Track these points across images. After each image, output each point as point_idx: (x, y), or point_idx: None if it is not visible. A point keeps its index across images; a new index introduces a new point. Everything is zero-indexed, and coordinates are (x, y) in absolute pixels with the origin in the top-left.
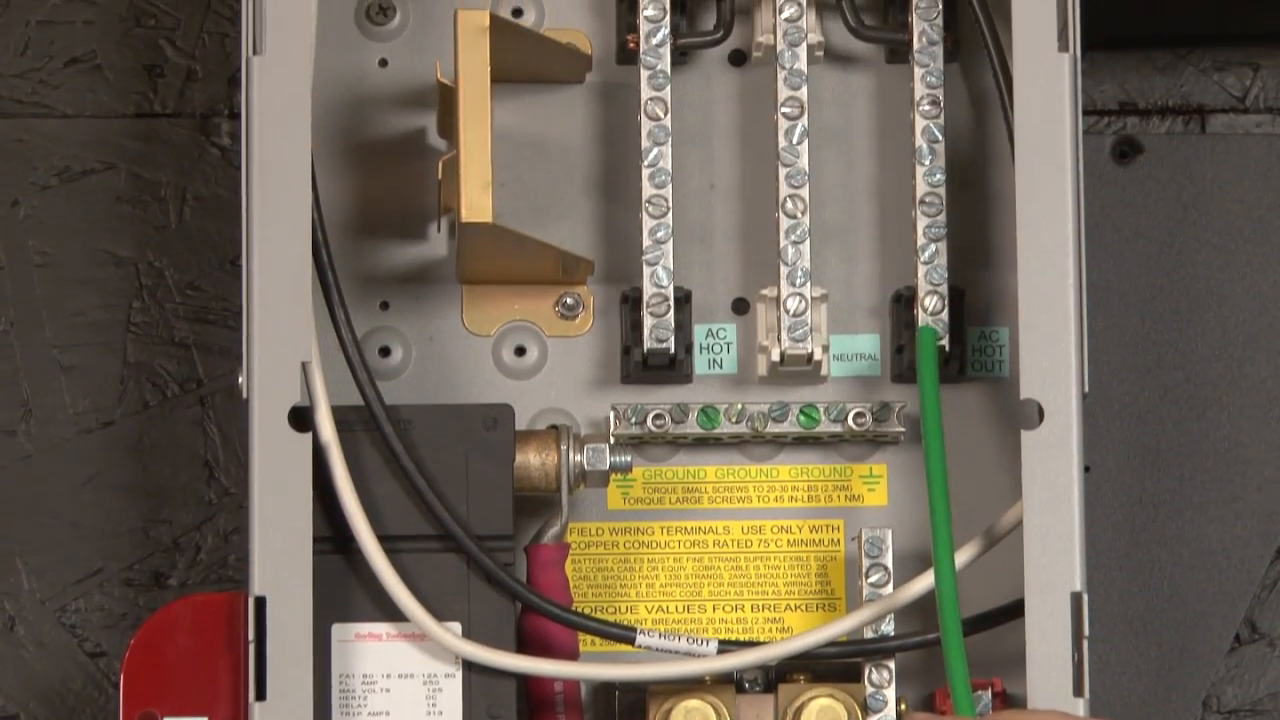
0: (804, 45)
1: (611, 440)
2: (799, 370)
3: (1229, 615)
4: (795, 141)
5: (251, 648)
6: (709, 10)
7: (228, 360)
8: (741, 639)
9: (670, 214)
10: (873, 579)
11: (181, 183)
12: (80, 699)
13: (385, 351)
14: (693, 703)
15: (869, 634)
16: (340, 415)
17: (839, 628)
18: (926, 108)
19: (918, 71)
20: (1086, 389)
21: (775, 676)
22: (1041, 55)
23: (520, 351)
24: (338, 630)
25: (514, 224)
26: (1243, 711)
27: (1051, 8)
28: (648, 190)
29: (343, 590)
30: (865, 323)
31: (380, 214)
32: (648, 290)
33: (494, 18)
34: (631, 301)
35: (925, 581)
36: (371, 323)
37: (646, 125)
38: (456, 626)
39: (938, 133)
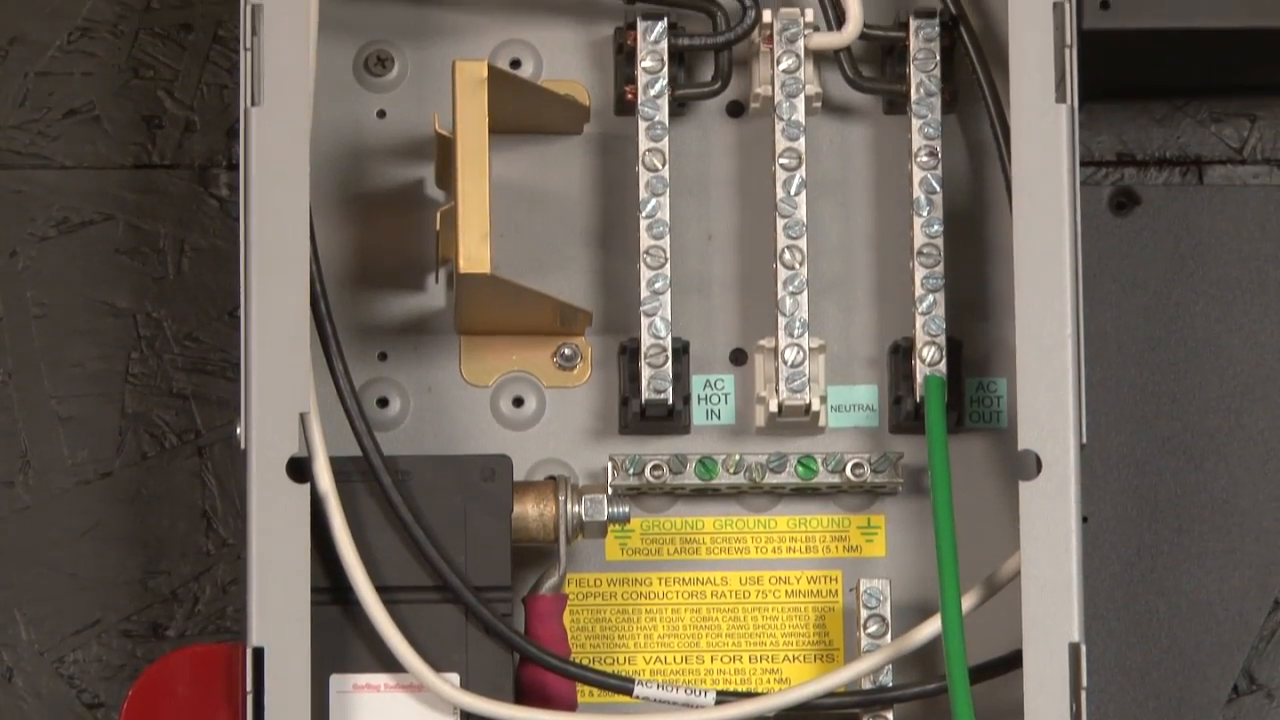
0: (802, 96)
1: (609, 491)
2: (797, 421)
3: (1227, 666)
4: (793, 192)
5: (250, 699)
6: (707, 62)
7: (226, 411)
8: (739, 690)
9: (668, 265)
10: (871, 630)
11: (180, 234)
12: None
13: (383, 402)
14: None
15: (867, 685)
16: (338, 466)
17: (837, 678)
18: (924, 159)
19: (915, 122)
20: (1084, 440)
21: None
22: (1039, 106)
23: (518, 402)
24: (336, 681)
25: (512, 275)
26: None
27: (1049, 59)
28: (645, 241)
29: (341, 641)
30: (863, 373)
31: (378, 265)
32: (646, 341)
33: (492, 69)
34: (629, 352)
35: (924, 632)
36: (370, 373)
37: (644, 176)
38: (454, 677)
39: (935, 184)
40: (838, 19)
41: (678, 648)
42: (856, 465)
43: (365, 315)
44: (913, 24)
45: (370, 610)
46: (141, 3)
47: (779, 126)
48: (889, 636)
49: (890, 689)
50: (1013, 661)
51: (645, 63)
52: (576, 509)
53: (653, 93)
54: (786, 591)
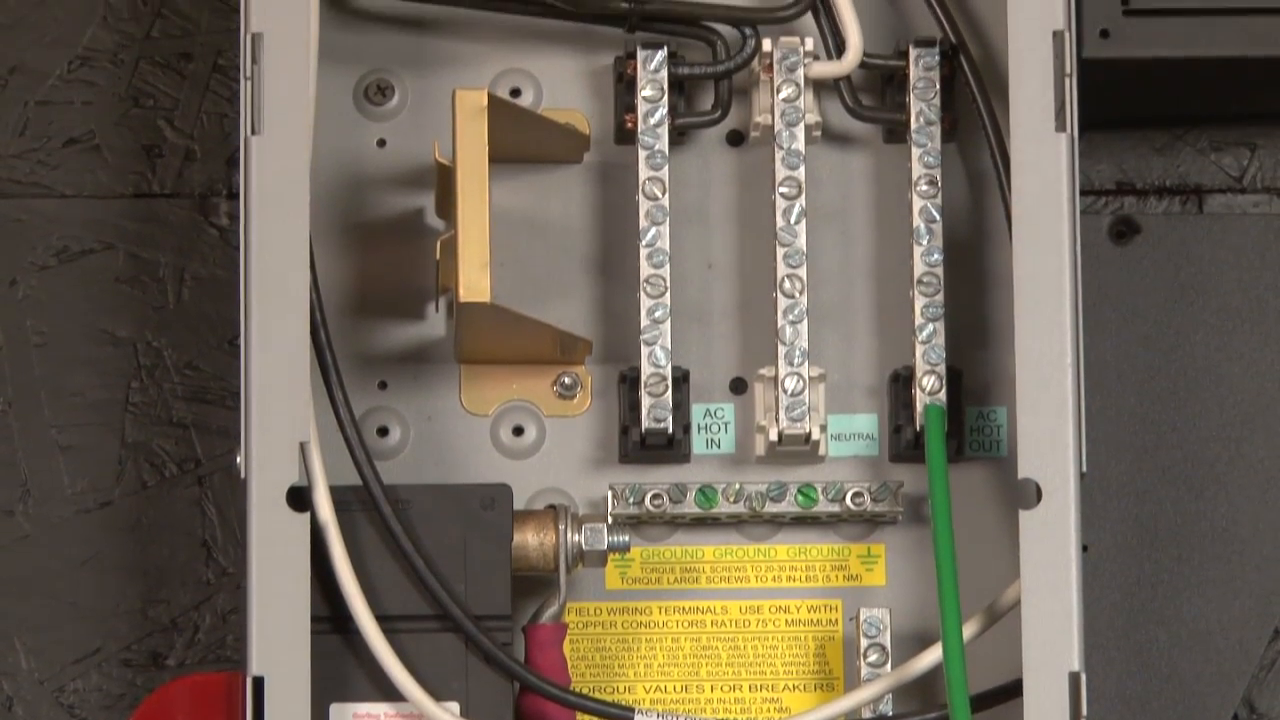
0: (802, 125)
1: (609, 520)
2: (797, 450)
3: (1227, 695)
4: (793, 221)
5: None
6: (707, 90)
7: (226, 440)
8: (739, 719)
9: (668, 293)
10: (871, 659)
11: (180, 263)
12: None
13: (383, 431)
14: None
15: (867, 714)
16: (338, 495)
17: (837, 708)
18: (924, 187)
19: (915, 151)
20: (1084, 468)
21: None
22: (1039, 135)
23: (518, 431)
24: (336, 710)
25: (512, 304)
26: None
27: (1049, 88)
28: (646, 270)
29: (341, 670)
30: (863, 402)
31: (378, 294)
32: (646, 370)
33: (492, 98)
34: (629, 381)
35: (925, 661)
36: (370, 402)
37: (644, 205)
38: (455, 706)
39: (935, 212)
40: (837, 48)
41: (678, 677)
42: (856, 494)
43: (365, 344)
44: (912, 53)
45: (370, 639)
46: (141, 32)
47: (779, 155)
48: (889, 665)
49: (891, 718)
50: (1013, 690)
51: (645, 91)
52: (576, 538)
53: (653, 121)
54: (786, 620)
